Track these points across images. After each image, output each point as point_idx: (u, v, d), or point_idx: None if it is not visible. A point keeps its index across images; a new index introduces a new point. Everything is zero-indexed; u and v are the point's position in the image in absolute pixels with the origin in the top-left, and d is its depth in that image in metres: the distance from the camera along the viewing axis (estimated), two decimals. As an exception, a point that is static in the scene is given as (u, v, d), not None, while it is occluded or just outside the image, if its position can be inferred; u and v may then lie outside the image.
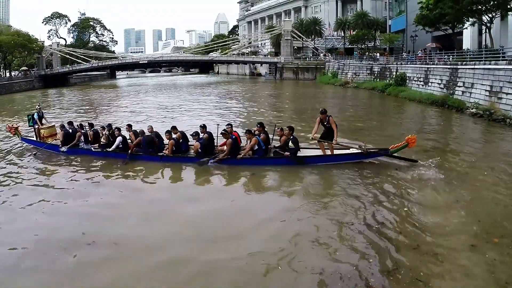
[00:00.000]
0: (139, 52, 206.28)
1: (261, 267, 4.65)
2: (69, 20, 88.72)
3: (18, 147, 12.60)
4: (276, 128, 9.32)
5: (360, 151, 8.74)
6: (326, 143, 8.97)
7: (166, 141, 10.08)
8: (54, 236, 5.82)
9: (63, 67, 65.28)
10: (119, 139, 10.27)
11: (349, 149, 9.15)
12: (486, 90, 18.03)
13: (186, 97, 32.56)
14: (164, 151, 9.87)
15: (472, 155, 10.02)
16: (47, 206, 7.13)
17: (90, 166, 9.84)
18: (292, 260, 4.75)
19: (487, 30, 25.16)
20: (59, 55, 66.31)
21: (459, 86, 20.79)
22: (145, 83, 61.04)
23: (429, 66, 25.03)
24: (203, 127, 9.75)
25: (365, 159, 8.80)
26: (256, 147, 8.79)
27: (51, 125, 12.90)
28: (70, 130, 11.35)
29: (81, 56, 65.25)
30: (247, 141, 9.15)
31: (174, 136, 9.77)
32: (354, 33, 53.35)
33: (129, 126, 11.03)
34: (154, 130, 10.51)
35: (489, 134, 13.82)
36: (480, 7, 24.18)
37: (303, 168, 8.59)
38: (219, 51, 77.26)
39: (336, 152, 9.07)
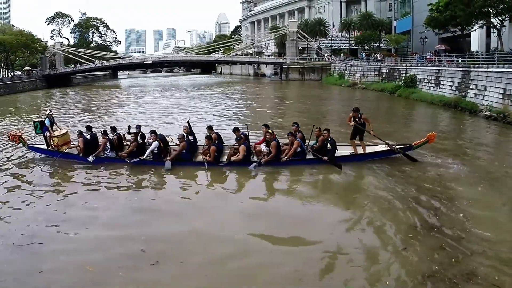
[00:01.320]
0: (140, 52, 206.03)
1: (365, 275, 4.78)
2: (72, 20, 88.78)
3: (27, 157, 11.13)
4: (314, 128, 9.68)
5: (388, 148, 9.41)
6: (359, 142, 9.65)
7: (199, 141, 10.04)
8: (114, 257, 5.41)
9: (66, 67, 65.12)
10: (155, 144, 9.40)
11: (377, 146, 9.84)
12: (499, 93, 18.20)
13: (199, 97, 32.57)
14: (203, 156, 9.38)
15: (499, 157, 10.34)
16: (95, 224, 6.50)
17: (125, 176, 9.00)
18: (374, 266, 4.93)
19: (497, 32, 25.36)
20: (62, 55, 66.04)
21: (472, 89, 20.95)
22: (149, 84, 60.92)
23: (440, 68, 25.16)
24: (237, 130, 9.82)
25: (393, 155, 9.48)
26: (299, 149, 9.13)
27: (64, 131, 11.20)
28: (89, 136, 10.23)
29: (85, 56, 65.04)
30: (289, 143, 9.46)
31: (209, 135, 9.66)
32: (360, 33, 53.49)
33: (153, 132, 9.91)
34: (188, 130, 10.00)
35: (508, 137, 14.04)
36: (491, 10, 24.40)
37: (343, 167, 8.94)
38: (222, 51, 77.32)
39: (366, 149, 9.75)
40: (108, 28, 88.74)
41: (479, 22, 27.45)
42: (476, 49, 31.61)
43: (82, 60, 64.46)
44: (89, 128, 10.80)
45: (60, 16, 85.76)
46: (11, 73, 57.57)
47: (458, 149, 11.32)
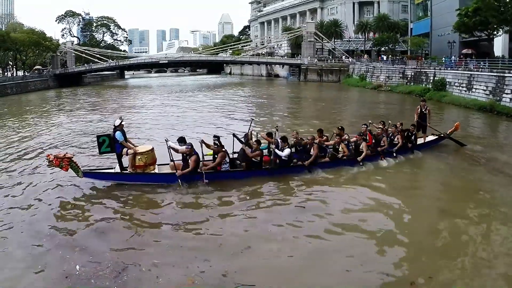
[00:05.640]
0: (143, 52, 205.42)
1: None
2: (83, 19, 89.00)
3: (92, 189, 8.24)
4: (400, 127, 11.25)
5: (437, 136, 12.09)
6: (421, 134, 11.78)
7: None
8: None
9: (78, 65, 64.97)
10: (288, 150, 8.80)
11: (428, 136, 12.09)
12: (535, 99, 18.89)
13: (226, 97, 32.81)
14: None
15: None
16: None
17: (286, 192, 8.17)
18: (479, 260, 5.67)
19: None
20: (73, 54, 65.66)
21: (507, 93, 21.60)
22: (162, 84, 60.04)
23: (472, 72, 25.70)
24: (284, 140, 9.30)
25: (442, 140, 12.22)
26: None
27: (149, 147, 8.85)
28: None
29: (97, 55, 64.82)
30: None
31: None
32: (377, 35, 54.11)
33: (285, 140, 9.06)
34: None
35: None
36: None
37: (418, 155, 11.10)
38: (230, 51, 77.16)
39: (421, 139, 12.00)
40: (119, 28, 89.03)
41: (505, 28, 28.11)
42: (501, 54, 32.25)
43: (95, 60, 64.04)
44: (183, 140, 8.75)
45: (71, 14, 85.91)
46: (21, 72, 57.27)
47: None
